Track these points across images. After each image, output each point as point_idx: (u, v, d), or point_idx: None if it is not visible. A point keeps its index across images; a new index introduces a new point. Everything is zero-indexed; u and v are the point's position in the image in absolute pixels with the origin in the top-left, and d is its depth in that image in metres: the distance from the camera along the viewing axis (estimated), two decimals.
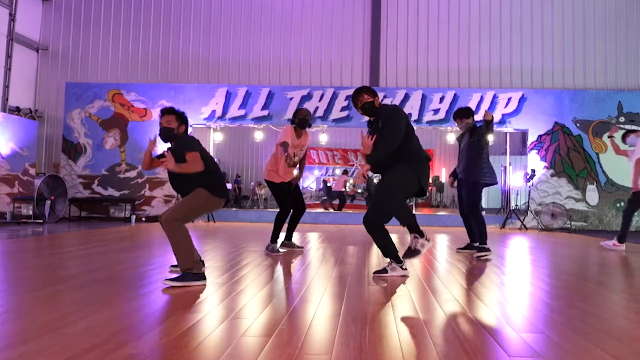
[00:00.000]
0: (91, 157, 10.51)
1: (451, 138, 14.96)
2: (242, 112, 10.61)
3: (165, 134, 3.52)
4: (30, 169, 10.14)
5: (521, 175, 11.01)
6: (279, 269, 4.06)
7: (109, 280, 3.36)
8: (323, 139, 12.87)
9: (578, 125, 10.48)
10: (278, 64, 11.13)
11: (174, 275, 3.29)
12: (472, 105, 10.58)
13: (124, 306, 2.58)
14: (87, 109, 10.55)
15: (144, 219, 10.27)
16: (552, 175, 10.53)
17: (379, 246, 3.87)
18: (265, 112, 10.62)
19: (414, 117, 10.59)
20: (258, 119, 10.63)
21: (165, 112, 3.60)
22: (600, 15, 11.05)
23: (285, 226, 5.25)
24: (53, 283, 3.17)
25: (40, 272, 3.73)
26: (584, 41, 11.08)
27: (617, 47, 11.03)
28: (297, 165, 5.16)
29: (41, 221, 8.89)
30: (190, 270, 3.30)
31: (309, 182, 22.16)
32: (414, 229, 3.71)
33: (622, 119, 10.45)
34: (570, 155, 10.52)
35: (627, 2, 11.02)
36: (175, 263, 3.50)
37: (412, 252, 3.73)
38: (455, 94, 10.65)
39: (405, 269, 3.72)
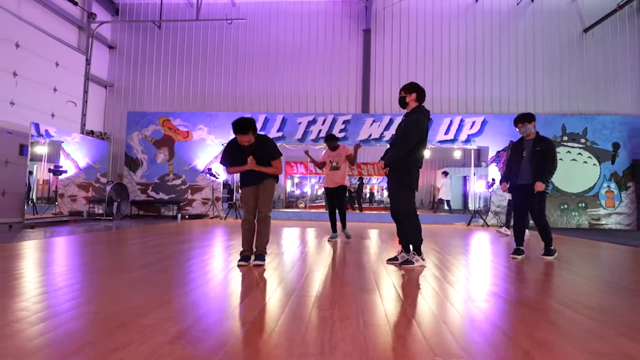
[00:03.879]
0: (147, 169, 11.57)
1: (426, 154, 15.54)
2: (262, 133, 11.51)
3: (249, 150, 3.52)
4: (101, 178, 11.23)
5: (483, 183, 11.60)
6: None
7: (179, 266, 3.55)
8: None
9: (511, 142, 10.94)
10: (290, 95, 11.70)
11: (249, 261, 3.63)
12: (443, 127, 11.08)
13: (205, 286, 2.78)
14: (143, 131, 11.60)
15: (187, 216, 11.34)
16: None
17: (409, 234, 3.80)
18: (280, 134, 11.37)
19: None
20: (275, 139, 11.41)
21: (241, 131, 3.39)
22: (546, 55, 11.29)
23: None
24: (142, 267, 3.45)
25: (130, 257, 4.14)
26: (533, 76, 11.30)
27: (560, 80, 11.22)
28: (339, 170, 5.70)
29: (111, 218, 10.01)
30: (265, 252, 3.75)
31: (306, 188, 23.02)
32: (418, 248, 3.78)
33: (565, 138, 10.93)
34: None
35: (568, 44, 11.22)
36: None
37: (407, 262, 3.77)
38: (430, 119, 11.26)
39: (424, 260, 3.81)
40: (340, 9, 11.75)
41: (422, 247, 3.90)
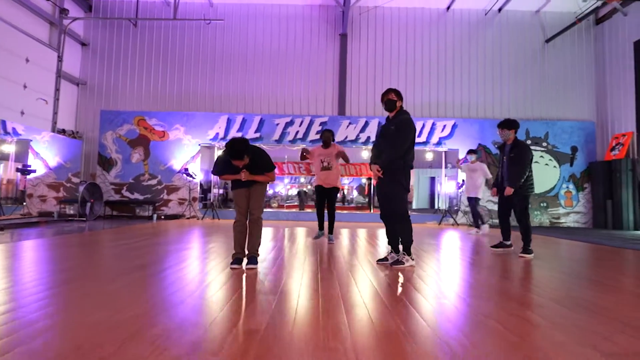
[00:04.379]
0: (121, 168, 11.15)
1: (429, 156, 15.74)
2: (239, 134, 11.29)
3: (248, 168, 3.50)
4: (73, 178, 10.74)
5: (454, 184, 11.93)
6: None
7: (170, 269, 3.44)
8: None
9: (496, 146, 11.10)
10: (267, 97, 11.52)
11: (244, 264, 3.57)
12: (416, 130, 11.46)
13: (212, 286, 2.80)
14: (117, 131, 11.18)
15: (163, 217, 11.03)
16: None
17: (402, 234, 3.76)
18: (258, 135, 11.26)
19: (372, 139, 11.35)
20: (252, 140, 11.21)
21: (236, 157, 3.31)
22: (512, 63, 11.65)
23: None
24: (134, 270, 3.33)
25: (119, 259, 3.94)
26: (500, 82, 11.61)
27: (524, 87, 11.58)
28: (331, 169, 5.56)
29: (84, 219, 9.57)
30: (257, 254, 3.68)
31: (279, 188, 22.96)
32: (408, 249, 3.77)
33: (529, 142, 11.34)
34: (490, 168, 11.29)
35: (531, 53, 11.61)
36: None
37: (398, 262, 3.75)
38: None
39: (414, 259, 3.80)
40: (318, 14, 11.74)
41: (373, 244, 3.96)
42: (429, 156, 12.04)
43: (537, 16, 11.72)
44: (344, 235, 7.15)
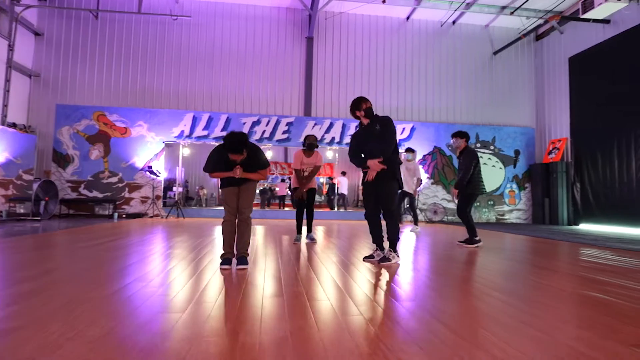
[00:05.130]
0: (78, 165, 10.36)
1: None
2: (205, 132, 10.87)
3: (243, 164, 3.33)
4: (24, 175, 9.82)
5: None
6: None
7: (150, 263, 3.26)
8: (268, 155, 13.38)
9: (450, 148, 11.70)
10: (234, 96, 11.19)
11: (232, 263, 3.37)
12: None
13: (213, 292, 2.61)
14: (74, 126, 10.38)
15: (124, 215, 10.38)
16: (432, 184, 11.66)
17: (392, 232, 3.76)
18: (224, 133, 10.97)
19: (337, 140, 11.43)
20: (218, 138, 10.89)
21: (235, 151, 3.19)
22: (464, 71, 12.16)
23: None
24: (114, 277, 2.98)
25: (101, 263, 3.42)
26: (454, 89, 12.08)
27: (474, 94, 12.13)
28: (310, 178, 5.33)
29: (38, 218, 8.76)
30: (247, 254, 3.50)
31: None
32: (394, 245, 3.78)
33: (478, 145, 11.96)
34: (444, 169, 11.75)
35: (481, 64, 12.22)
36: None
37: (385, 259, 3.74)
38: None
39: (399, 256, 3.81)
40: (285, 16, 11.58)
41: (365, 242, 3.95)
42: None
43: (487, 30, 12.34)
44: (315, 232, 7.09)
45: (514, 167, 12.18)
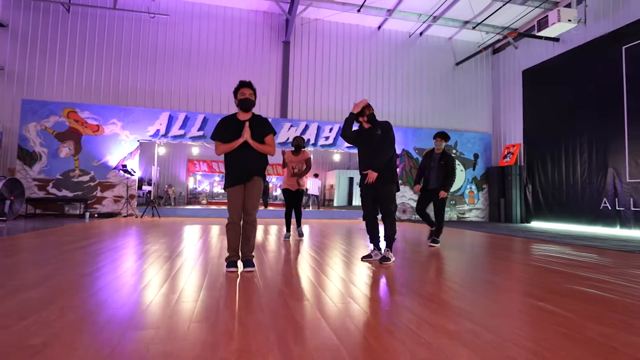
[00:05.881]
0: (46, 163, 9.57)
1: (336, 158, 16.05)
2: (182, 132, 10.43)
3: (250, 105, 3.19)
4: None
5: None
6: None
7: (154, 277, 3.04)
8: None
9: (417, 151, 12.00)
10: (211, 96, 10.83)
11: (243, 267, 3.20)
12: None
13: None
14: (42, 122, 9.56)
15: (96, 215, 9.75)
16: (401, 184, 11.90)
17: (391, 232, 3.79)
18: (201, 133, 10.55)
19: (312, 141, 11.39)
20: (195, 138, 10.58)
21: (246, 84, 3.19)
22: (430, 80, 12.49)
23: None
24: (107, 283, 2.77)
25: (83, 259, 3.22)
26: (420, 95, 12.38)
27: (439, 101, 12.51)
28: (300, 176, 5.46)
29: (4, 219, 8.01)
30: (252, 256, 3.30)
31: (204, 185, 22.05)
32: (390, 244, 3.78)
33: (446, 150, 12.39)
34: (411, 171, 12.01)
35: (445, 73, 12.64)
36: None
37: (385, 259, 3.73)
38: (340, 127, 11.41)
39: (393, 256, 3.85)
40: (262, 20, 11.36)
41: (335, 239, 3.95)
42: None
43: (450, 42, 12.78)
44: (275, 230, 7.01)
45: (473, 169, 12.72)
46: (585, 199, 9.59)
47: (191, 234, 6.13)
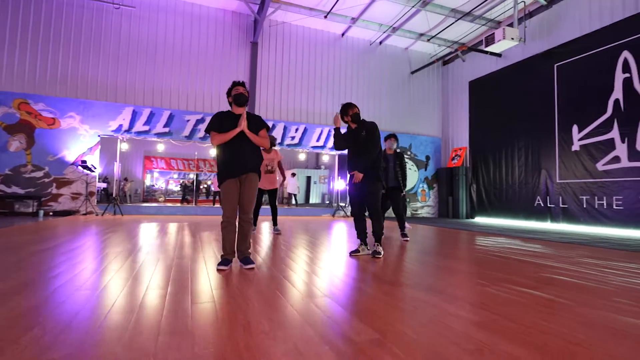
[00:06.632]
0: None
1: (302, 157, 15.94)
2: (146, 127, 9.75)
3: (244, 100, 3.14)
4: None
5: (344, 183, 12.61)
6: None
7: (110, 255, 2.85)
8: (212, 152, 12.56)
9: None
10: (177, 92, 10.22)
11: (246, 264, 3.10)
12: (316, 135, 11.69)
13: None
14: None
15: (51, 213, 8.82)
16: None
17: (377, 228, 3.81)
18: (167, 129, 9.94)
19: (278, 140, 11.19)
20: (161, 134, 9.94)
21: (240, 84, 3.19)
22: (388, 86, 12.81)
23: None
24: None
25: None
26: (380, 100, 12.65)
27: (396, 106, 12.87)
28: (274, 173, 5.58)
29: None
30: (249, 252, 3.20)
31: (160, 182, 21.04)
32: (380, 239, 3.82)
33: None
34: None
35: (402, 80, 13.06)
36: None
37: (377, 252, 3.79)
38: (305, 128, 11.47)
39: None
40: (231, 19, 10.95)
41: (304, 234, 4.00)
42: (326, 159, 12.47)
43: (406, 52, 13.23)
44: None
45: (425, 170, 13.31)
46: (522, 197, 10.43)
47: (150, 232, 5.77)
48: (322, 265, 3.33)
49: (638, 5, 7.81)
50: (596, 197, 8.45)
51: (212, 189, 15.23)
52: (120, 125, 9.54)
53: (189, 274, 2.81)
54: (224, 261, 3.09)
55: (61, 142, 9.06)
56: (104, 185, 13.87)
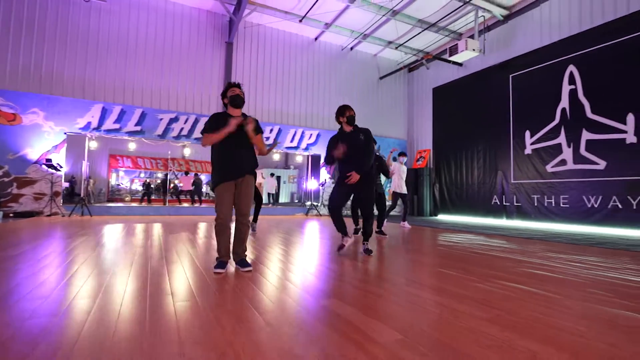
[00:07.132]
0: None
1: (276, 157, 15.72)
2: (117, 125, 9.18)
3: (241, 102, 3.08)
4: None
5: (316, 183, 12.64)
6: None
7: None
8: (186, 152, 12.12)
9: None
10: (150, 90, 9.70)
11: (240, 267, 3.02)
12: (290, 136, 11.61)
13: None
14: None
15: (12, 214, 8.05)
16: (332, 183, 12.30)
17: (369, 229, 3.90)
18: (139, 128, 9.42)
19: None
20: (132, 133, 9.40)
21: (237, 85, 3.14)
22: (359, 90, 12.97)
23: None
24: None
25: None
26: (350, 104, 12.30)
27: (366, 110, 13.05)
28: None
29: None
30: (246, 255, 3.14)
31: (126, 182, 20.07)
32: (375, 233, 3.93)
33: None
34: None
35: (371, 85, 13.31)
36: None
37: (368, 250, 3.89)
38: (280, 129, 11.35)
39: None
40: (205, 18, 10.57)
41: (278, 233, 4.05)
42: (299, 159, 12.43)
43: (375, 59, 13.47)
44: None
45: None
46: (480, 196, 10.99)
47: (133, 236, 5.47)
48: (321, 265, 3.31)
49: (581, 24, 8.49)
50: (546, 196, 9.09)
51: (179, 188, 14.62)
52: (89, 123, 8.92)
53: (166, 276, 2.69)
54: (220, 264, 2.99)
55: (23, 139, 8.31)
56: (67, 184, 12.92)
